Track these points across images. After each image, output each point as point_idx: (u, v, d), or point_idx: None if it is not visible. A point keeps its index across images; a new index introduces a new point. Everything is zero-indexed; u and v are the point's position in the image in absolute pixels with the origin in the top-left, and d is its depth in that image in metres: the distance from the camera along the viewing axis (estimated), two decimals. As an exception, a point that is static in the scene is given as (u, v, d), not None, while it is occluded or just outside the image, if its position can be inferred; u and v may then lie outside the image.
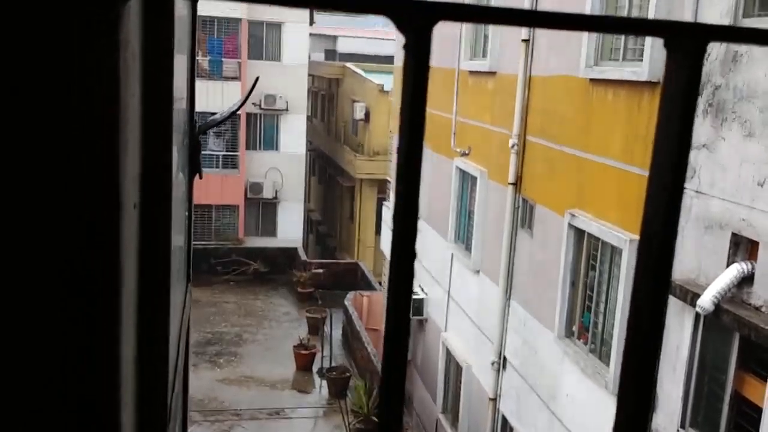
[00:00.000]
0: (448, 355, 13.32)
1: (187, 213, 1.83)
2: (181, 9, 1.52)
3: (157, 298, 0.83)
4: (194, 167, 1.83)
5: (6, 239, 0.47)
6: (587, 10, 8.59)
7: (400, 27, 0.49)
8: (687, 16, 6.82)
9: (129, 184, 0.64)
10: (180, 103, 1.58)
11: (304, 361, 18.02)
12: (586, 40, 8.60)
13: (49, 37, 0.45)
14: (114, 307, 0.52)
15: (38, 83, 0.46)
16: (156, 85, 0.76)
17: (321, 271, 23.45)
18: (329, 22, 44.38)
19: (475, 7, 0.48)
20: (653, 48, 7.29)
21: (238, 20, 25.62)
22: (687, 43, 0.54)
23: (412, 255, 0.50)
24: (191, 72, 1.88)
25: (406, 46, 0.49)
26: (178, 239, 1.56)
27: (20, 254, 0.48)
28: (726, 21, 6.35)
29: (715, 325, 6.41)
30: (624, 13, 8.18)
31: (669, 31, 0.55)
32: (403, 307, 0.47)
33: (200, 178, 1.95)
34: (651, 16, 7.36)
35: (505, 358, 10.98)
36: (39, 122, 0.47)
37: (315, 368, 18.02)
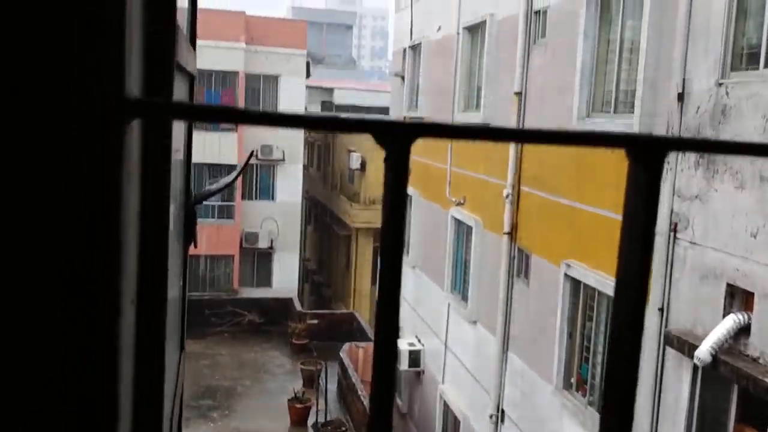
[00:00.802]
0: (446, 407, 13.16)
1: (181, 283, 1.85)
2: (182, 85, 1.57)
3: (153, 393, 0.85)
4: (189, 237, 1.86)
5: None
6: (577, 72, 8.74)
7: (382, 144, 0.53)
8: (676, 71, 6.96)
9: (127, 283, 0.67)
10: (176, 175, 1.62)
11: (299, 415, 17.74)
12: (577, 92, 8.75)
13: (61, 154, 0.48)
14: (111, 411, 0.53)
15: (50, 202, 0.49)
16: (153, 188, 0.79)
17: (316, 321, 23.28)
18: (326, 74, 45.06)
19: (447, 126, 0.52)
20: (644, 100, 7.42)
21: (235, 73, 26.00)
22: (647, 153, 0.58)
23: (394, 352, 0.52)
24: (188, 142, 1.92)
25: (386, 160, 0.53)
26: (173, 310, 1.57)
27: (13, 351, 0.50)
28: (714, 76, 6.47)
29: (713, 377, 6.37)
30: (614, 69, 8.34)
31: (630, 143, 0.58)
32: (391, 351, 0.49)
33: (195, 247, 1.97)
34: (640, 73, 7.50)
35: (503, 411, 10.85)
36: (50, 234, 0.49)
37: (310, 422, 17.73)
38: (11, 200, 0.49)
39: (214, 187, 3.19)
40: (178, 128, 1.60)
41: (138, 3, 0.70)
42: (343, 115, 0.51)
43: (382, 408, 0.48)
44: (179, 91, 1.44)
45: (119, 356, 0.52)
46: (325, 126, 0.57)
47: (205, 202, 25.98)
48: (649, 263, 0.58)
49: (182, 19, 1.61)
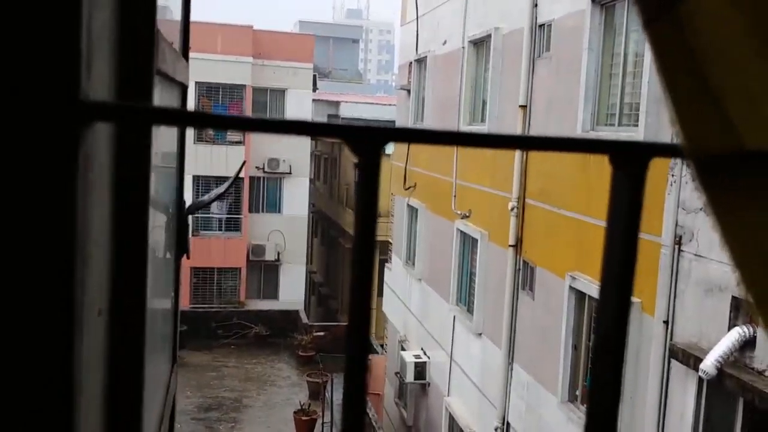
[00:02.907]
0: (451, 419, 13.08)
1: (173, 293, 1.84)
2: (171, 94, 1.57)
3: (129, 412, 0.83)
4: (182, 248, 1.85)
5: None
6: (582, 85, 8.74)
7: (353, 149, 0.52)
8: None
9: (93, 293, 0.66)
10: (168, 184, 1.61)
11: (305, 427, 17.68)
12: (582, 104, 8.75)
13: (5, 158, 0.47)
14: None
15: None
16: (130, 196, 0.78)
17: (322, 333, 23.25)
18: (332, 87, 45.25)
19: (416, 130, 0.51)
20: (648, 114, 7.40)
21: (242, 87, 26.12)
22: (630, 159, 0.57)
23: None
24: (181, 149, 1.92)
25: (357, 165, 0.52)
26: (162, 322, 1.56)
27: None
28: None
29: (718, 391, 6.31)
30: (618, 82, 8.34)
31: (613, 148, 0.57)
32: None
33: (188, 258, 1.97)
34: (645, 86, 7.49)
35: (508, 424, 10.77)
36: None
37: (316, 434, 17.66)
38: None
39: (207, 198, 3.19)
40: (169, 137, 1.59)
41: (109, 8, 0.69)
42: (315, 120, 0.51)
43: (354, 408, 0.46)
44: (169, 100, 1.44)
45: (75, 369, 0.50)
46: (297, 131, 0.56)
47: (212, 215, 26.07)
48: (632, 270, 0.57)
49: (174, 31, 1.62)
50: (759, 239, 0.47)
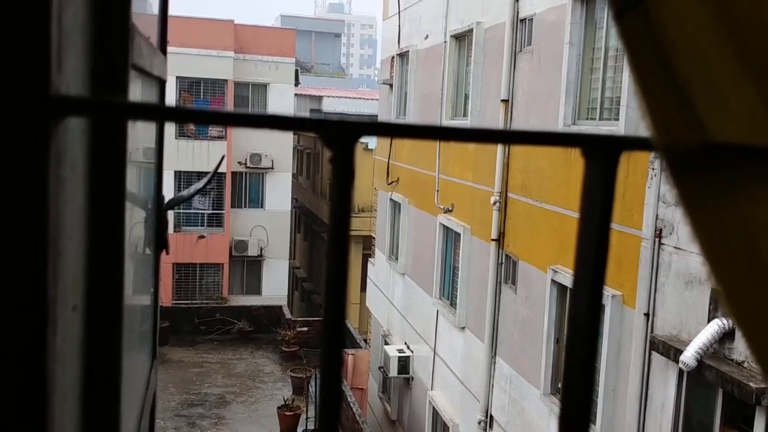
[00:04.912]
0: (435, 414, 13.13)
1: (153, 288, 1.83)
2: (148, 89, 1.56)
3: (107, 408, 0.83)
4: (161, 243, 1.85)
5: None
6: (563, 79, 8.79)
7: (327, 143, 0.52)
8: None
9: (66, 288, 0.65)
10: (147, 178, 1.60)
11: (289, 422, 17.67)
12: (563, 99, 8.79)
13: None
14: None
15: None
16: (105, 191, 0.77)
17: (306, 329, 23.23)
18: (315, 82, 45.12)
19: (390, 124, 0.52)
20: (629, 108, 7.45)
21: (224, 81, 25.98)
22: (602, 152, 0.58)
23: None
24: (159, 145, 1.91)
25: (331, 160, 0.52)
26: (142, 316, 1.56)
27: None
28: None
29: (698, 382, 6.39)
30: (599, 76, 8.39)
31: (586, 142, 0.58)
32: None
33: (167, 253, 1.96)
34: (625, 81, 7.55)
35: (491, 417, 10.84)
36: None
37: (300, 430, 17.66)
38: None
39: (186, 193, 3.19)
40: (148, 132, 1.58)
41: (81, 3, 0.69)
42: (286, 114, 0.51)
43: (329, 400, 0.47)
44: (146, 95, 1.43)
45: (47, 365, 0.50)
46: (270, 125, 0.56)
47: (194, 211, 25.92)
48: (604, 261, 0.58)
49: (151, 25, 1.60)
50: (726, 234, 0.47)
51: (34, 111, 0.46)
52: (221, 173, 25.19)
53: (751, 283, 0.47)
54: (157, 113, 0.50)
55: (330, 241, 0.52)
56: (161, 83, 1.69)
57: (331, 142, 0.51)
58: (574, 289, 0.59)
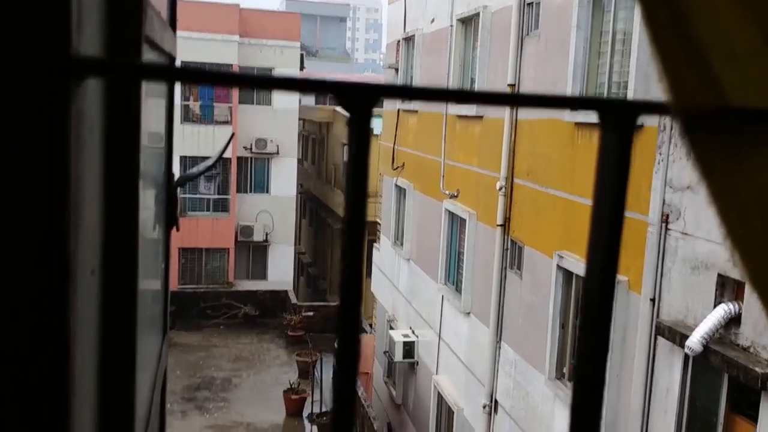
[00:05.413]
0: (440, 398, 13.20)
1: (164, 265, 1.84)
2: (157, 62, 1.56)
3: (120, 375, 0.84)
4: (171, 220, 1.85)
5: None
6: (570, 63, 8.74)
7: (344, 105, 0.52)
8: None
9: (86, 251, 0.66)
10: (157, 156, 1.61)
11: (295, 406, 17.78)
12: (570, 82, 8.75)
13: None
14: (65, 390, 0.52)
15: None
16: (120, 154, 0.78)
17: (311, 313, 23.32)
18: (320, 66, 44.98)
19: (407, 87, 0.52)
20: (636, 92, 7.42)
21: (229, 66, 25.92)
22: (618, 117, 0.57)
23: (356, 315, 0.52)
24: (169, 123, 1.91)
25: (349, 122, 0.52)
26: (153, 292, 1.57)
27: None
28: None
29: (704, 367, 6.40)
30: (607, 60, 8.34)
31: (601, 106, 0.58)
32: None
33: (177, 230, 1.97)
34: (633, 64, 7.50)
35: (496, 401, 10.88)
36: None
37: (305, 413, 17.78)
38: None
39: (195, 170, 3.20)
40: (158, 109, 1.59)
41: None
42: (304, 76, 0.51)
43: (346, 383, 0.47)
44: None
45: (70, 323, 0.50)
46: (287, 86, 0.56)
47: (200, 196, 25.96)
48: (620, 231, 0.58)
49: (161, 2, 1.60)
50: (738, 197, 0.48)
51: (58, 70, 0.47)
52: (227, 158, 25.21)
53: (763, 244, 0.48)
54: (175, 74, 0.51)
55: (347, 205, 0.52)
56: (171, 59, 1.70)
57: (350, 104, 0.51)
58: (589, 261, 0.59)
